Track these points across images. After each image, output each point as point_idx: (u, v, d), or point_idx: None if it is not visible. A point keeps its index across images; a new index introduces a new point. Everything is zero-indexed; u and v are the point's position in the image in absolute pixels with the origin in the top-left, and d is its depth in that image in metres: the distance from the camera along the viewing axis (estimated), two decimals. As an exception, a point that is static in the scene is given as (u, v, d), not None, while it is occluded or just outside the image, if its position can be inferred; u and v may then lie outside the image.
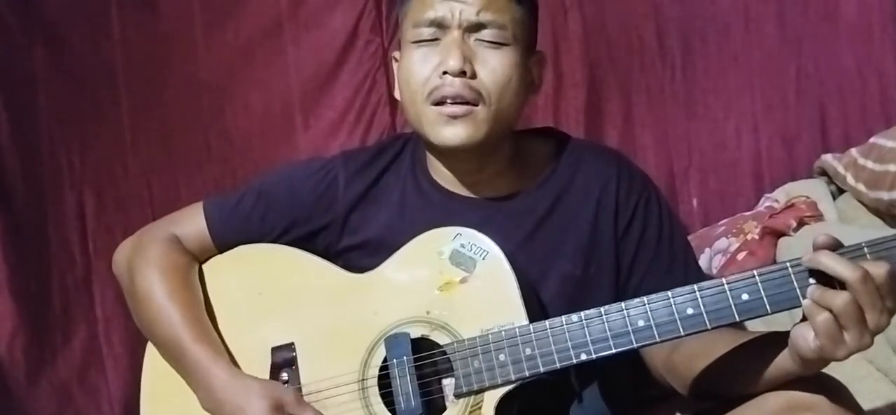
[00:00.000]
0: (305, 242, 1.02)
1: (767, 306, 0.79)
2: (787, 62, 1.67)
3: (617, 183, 0.99)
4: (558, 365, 0.86)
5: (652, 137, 1.73)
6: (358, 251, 1.01)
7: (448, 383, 0.91)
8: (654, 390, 0.99)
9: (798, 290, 0.78)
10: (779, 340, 0.80)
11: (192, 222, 1.04)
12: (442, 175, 1.01)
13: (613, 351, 0.84)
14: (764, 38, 1.68)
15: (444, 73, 0.92)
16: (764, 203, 1.58)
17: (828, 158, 1.55)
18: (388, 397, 0.92)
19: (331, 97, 1.76)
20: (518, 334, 0.88)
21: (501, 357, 0.88)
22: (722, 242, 1.51)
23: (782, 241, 1.45)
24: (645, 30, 1.72)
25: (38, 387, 1.52)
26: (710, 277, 0.86)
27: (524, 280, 0.92)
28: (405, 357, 0.91)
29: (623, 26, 1.73)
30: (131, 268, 1.02)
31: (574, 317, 0.86)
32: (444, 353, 0.91)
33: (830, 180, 1.55)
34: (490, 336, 0.89)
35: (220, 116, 1.72)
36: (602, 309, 0.85)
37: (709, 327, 0.81)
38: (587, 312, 0.85)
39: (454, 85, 0.92)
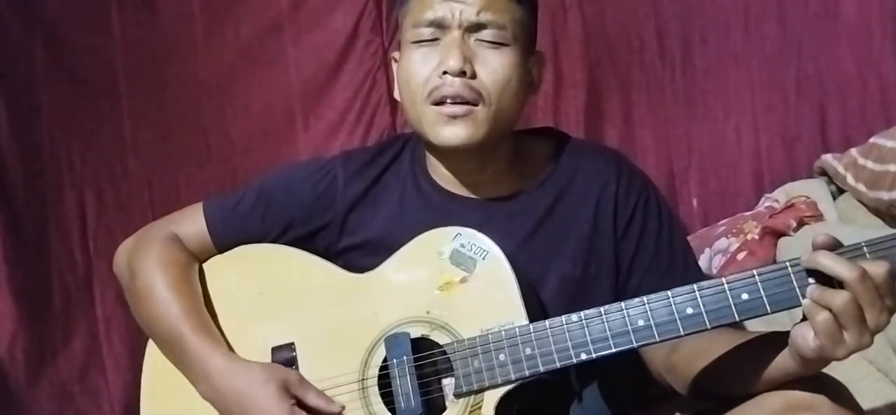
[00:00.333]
0: (305, 242, 1.02)
1: (767, 306, 0.79)
2: (787, 62, 1.67)
3: (616, 183, 0.99)
4: (558, 365, 0.86)
5: (652, 137, 1.73)
6: (358, 251, 1.01)
7: (448, 383, 0.91)
8: (654, 389, 1.00)
9: (798, 289, 0.78)
10: (779, 339, 0.80)
11: (192, 222, 1.04)
12: (442, 175, 1.01)
13: (613, 351, 0.84)
14: (764, 39, 1.68)
15: (444, 73, 0.93)
16: (764, 203, 1.58)
17: (828, 158, 1.55)
18: (388, 397, 0.92)
19: (331, 97, 1.76)
20: (518, 333, 0.88)
21: (501, 357, 0.88)
22: (722, 242, 1.51)
23: (782, 241, 1.45)
24: (645, 30, 1.72)
25: (39, 387, 1.52)
26: (709, 278, 0.86)
27: (524, 280, 0.92)
28: (405, 357, 0.91)
29: (623, 26, 1.73)
30: (132, 265, 1.03)
31: (574, 317, 0.86)
32: (444, 353, 0.91)
33: (830, 180, 1.55)
34: (490, 336, 0.89)
35: (221, 116, 1.72)
36: (602, 309, 0.85)
37: (708, 326, 0.81)
38: (587, 311, 0.85)
39: (454, 85, 0.92)
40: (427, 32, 0.94)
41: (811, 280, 0.77)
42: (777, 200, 1.54)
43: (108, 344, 1.60)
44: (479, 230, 0.93)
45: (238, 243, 1.03)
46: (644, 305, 0.83)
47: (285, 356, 0.97)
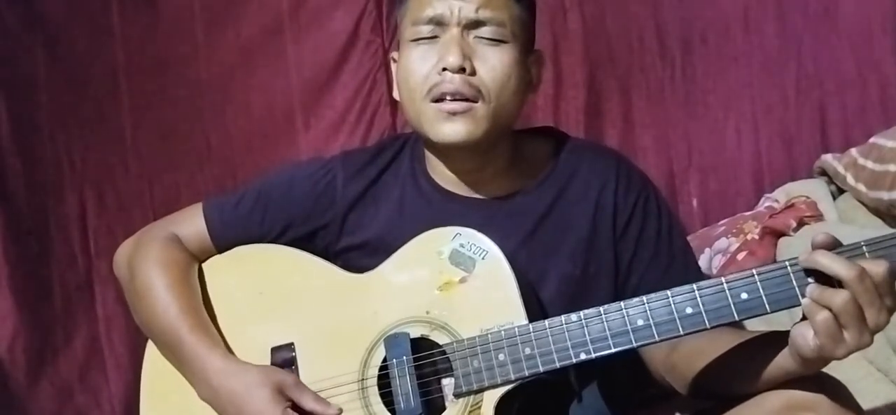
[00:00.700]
0: (305, 242, 1.02)
1: (767, 306, 0.79)
2: (787, 62, 1.67)
3: (615, 183, 0.99)
4: (557, 365, 0.86)
5: (652, 137, 1.73)
6: (357, 251, 1.01)
7: (447, 383, 0.91)
8: (653, 389, 1.00)
9: (797, 289, 0.78)
10: (778, 339, 0.80)
11: (191, 223, 1.04)
12: (441, 175, 1.01)
13: (613, 350, 0.84)
14: (764, 39, 1.68)
15: (444, 69, 0.93)
16: (764, 203, 1.58)
17: (828, 158, 1.55)
18: (387, 397, 0.92)
19: (331, 97, 1.76)
20: (517, 333, 0.88)
21: (501, 357, 0.88)
22: (722, 242, 1.51)
23: (782, 241, 1.45)
24: (645, 30, 1.72)
25: (39, 386, 1.53)
26: (709, 278, 0.86)
27: (523, 280, 0.92)
28: (405, 357, 0.91)
29: (623, 26, 1.73)
30: (131, 265, 1.03)
31: (573, 316, 0.86)
32: (444, 353, 0.91)
33: (830, 180, 1.55)
34: (489, 336, 0.89)
35: (221, 116, 1.72)
36: (601, 309, 0.85)
37: (708, 326, 0.81)
38: (586, 311, 0.85)
39: (454, 81, 0.92)
40: (426, 30, 0.94)
41: (810, 280, 0.77)
42: (777, 200, 1.54)
43: (108, 344, 1.60)
44: (479, 230, 0.93)
45: (238, 243, 1.03)
46: (643, 304, 0.83)
47: (285, 356, 0.97)
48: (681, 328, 0.82)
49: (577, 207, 0.99)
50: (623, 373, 0.98)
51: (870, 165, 1.43)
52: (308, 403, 0.92)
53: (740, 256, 1.46)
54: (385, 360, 0.92)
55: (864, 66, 1.62)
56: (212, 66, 1.71)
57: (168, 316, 0.97)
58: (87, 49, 1.62)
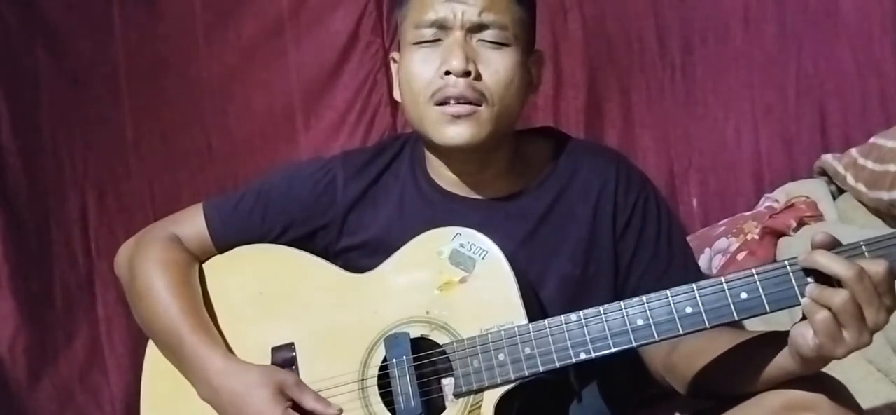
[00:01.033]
0: (305, 242, 1.02)
1: (766, 305, 0.79)
2: (787, 62, 1.67)
3: (615, 183, 0.99)
4: (557, 364, 0.86)
5: (652, 137, 1.73)
6: (357, 251, 1.01)
7: (447, 383, 0.91)
8: (653, 389, 1.00)
9: (797, 288, 0.78)
10: (778, 339, 0.80)
11: (192, 223, 1.04)
12: (441, 176, 1.01)
13: (612, 350, 0.84)
14: (764, 39, 1.68)
15: (447, 73, 0.93)
16: (764, 203, 1.58)
17: (828, 158, 1.55)
18: (387, 397, 0.92)
19: (332, 98, 1.76)
20: (517, 333, 0.88)
21: (501, 357, 0.88)
22: (722, 242, 1.51)
23: (782, 241, 1.45)
24: (645, 30, 1.72)
25: (40, 386, 1.53)
26: (708, 277, 0.86)
27: (523, 280, 0.92)
28: (405, 357, 0.91)
29: (623, 26, 1.73)
30: (132, 266, 1.03)
31: (573, 316, 0.86)
32: (444, 352, 0.91)
33: (830, 180, 1.55)
34: (489, 336, 0.89)
35: (222, 116, 1.72)
36: (601, 308, 0.85)
37: (708, 325, 0.81)
38: (586, 311, 0.85)
39: (458, 85, 0.92)
40: (429, 33, 0.94)
41: (810, 279, 0.77)
42: (777, 200, 1.54)
43: (109, 344, 1.60)
44: (479, 230, 0.93)
45: (238, 244, 1.03)
46: (643, 304, 0.83)
47: (285, 356, 0.97)
48: (680, 328, 0.82)
49: (577, 207, 0.99)
50: (623, 373, 0.98)
51: (870, 165, 1.43)
52: (309, 402, 0.92)
53: (740, 256, 1.47)
54: (385, 360, 0.93)
55: (864, 66, 1.62)
56: (212, 67, 1.72)
57: (168, 316, 0.97)
58: (88, 49, 1.63)
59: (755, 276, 0.80)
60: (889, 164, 1.38)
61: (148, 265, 1.00)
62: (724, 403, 0.85)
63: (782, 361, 0.79)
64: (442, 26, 0.94)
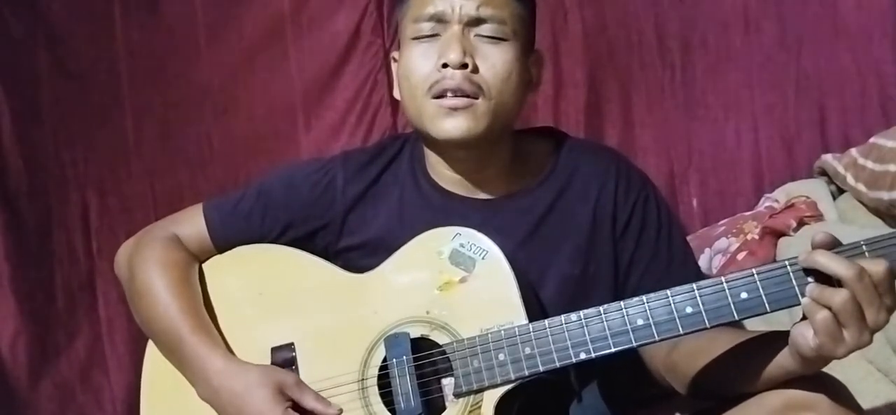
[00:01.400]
0: (304, 242, 1.02)
1: (766, 305, 0.79)
2: (787, 62, 1.67)
3: (615, 183, 0.99)
4: (557, 364, 0.86)
5: (652, 137, 1.73)
6: (357, 251, 1.01)
7: (447, 383, 0.91)
8: (653, 389, 0.99)
9: (797, 288, 0.78)
10: (778, 339, 0.80)
11: (191, 223, 1.04)
12: (441, 175, 1.01)
13: (612, 350, 0.84)
14: (764, 39, 1.68)
15: (445, 66, 0.93)
16: (764, 203, 1.58)
17: (828, 158, 1.56)
18: (387, 397, 0.92)
19: (332, 98, 1.76)
20: (517, 333, 0.88)
21: (501, 357, 0.88)
22: (722, 242, 1.51)
23: (782, 241, 1.45)
24: (645, 30, 1.72)
25: (41, 386, 1.53)
26: (708, 277, 0.86)
27: (523, 280, 0.92)
28: (405, 357, 0.91)
29: (623, 26, 1.73)
30: (132, 266, 1.03)
31: (573, 316, 0.86)
32: (444, 352, 0.91)
33: (830, 180, 1.55)
34: (489, 336, 0.89)
35: (223, 117, 1.72)
36: (601, 308, 0.85)
37: (708, 325, 0.81)
38: (586, 311, 0.85)
39: (455, 78, 0.92)
40: (427, 27, 0.94)
41: (810, 279, 0.77)
42: (777, 200, 1.54)
43: (110, 344, 1.60)
44: (479, 230, 0.93)
45: (238, 244, 1.03)
46: (643, 304, 0.83)
47: (285, 357, 0.97)
48: (680, 328, 0.82)
49: (576, 206, 0.99)
50: (623, 373, 0.98)
51: (870, 165, 1.43)
52: (309, 402, 0.92)
53: (740, 256, 1.47)
54: (385, 360, 0.93)
55: (863, 66, 1.62)
56: (213, 68, 1.72)
57: (168, 316, 0.97)
58: (90, 50, 1.63)
59: (755, 276, 0.80)
60: (889, 164, 1.38)
61: (147, 266, 1.00)
62: (725, 402, 0.85)
63: (782, 360, 0.79)
64: (440, 20, 0.94)
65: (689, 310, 0.82)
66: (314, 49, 1.75)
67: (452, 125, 0.93)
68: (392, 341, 0.92)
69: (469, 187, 1.00)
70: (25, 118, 1.56)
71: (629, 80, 1.74)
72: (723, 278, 0.81)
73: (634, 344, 0.84)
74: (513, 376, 0.88)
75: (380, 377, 0.93)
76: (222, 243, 1.04)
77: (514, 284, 0.91)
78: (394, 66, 1.03)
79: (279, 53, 1.74)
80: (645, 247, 0.98)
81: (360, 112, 1.76)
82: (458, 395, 0.90)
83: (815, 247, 0.78)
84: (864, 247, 0.78)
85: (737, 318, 0.81)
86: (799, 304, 0.78)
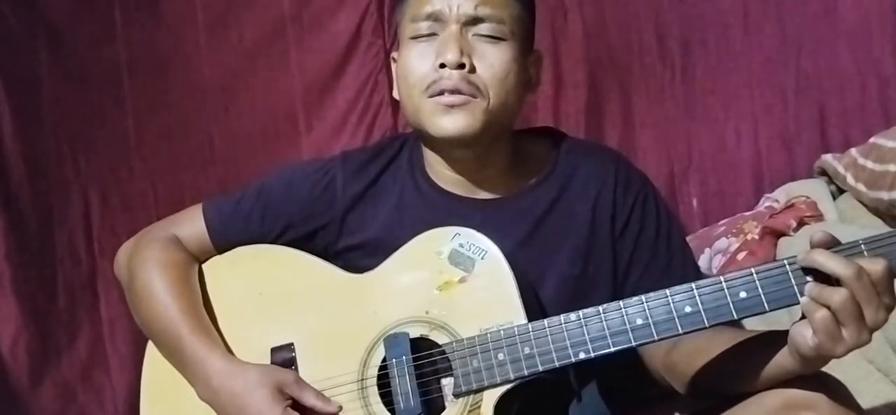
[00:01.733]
0: (304, 242, 1.02)
1: (765, 304, 0.79)
2: (787, 62, 1.67)
3: (614, 183, 0.99)
4: (557, 364, 0.86)
5: (652, 137, 1.73)
6: (357, 252, 1.01)
7: (447, 383, 0.91)
8: (653, 389, 0.99)
9: (796, 287, 0.78)
10: (778, 338, 0.80)
11: (191, 224, 1.04)
12: (440, 175, 1.01)
13: (612, 350, 0.84)
14: (763, 39, 1.68)
15: (442, 66, 0.93)
16: (764, 203, 1.58)
17: (828, 158, 1.56)
18: (387, 397, 0.92)
19: (333, 99, 1.77)
20: (517, 333, 0.88)
21: (500, 356, 0.88)
22: (722, 242, 1.51)
23: (782, 241, 1.45)
24: (645, 31, 1.72)
25: (42, 386, 1.53)
26: (708, 278, 0.86)
27: (523, 280, 0.92)
28: (404, 357, 0.91)
29: (623, 27, 1.73)
30: (131, 266, 1.03)
31: (572, 316, 0.86)
32: (443, 352, 0.91)
33: (830, 180, 1.55)
34: (489, 336, 0.89)
35: (224, 117, 1.73)
36: (600, 308, 0.85)
37: (707, 324, 0.81)
38: (585, 311, 0.85)
39: (452, 78, 0.92)
40: (425, 27, 0.95)
41: (809, 278, 0.77)
42: (777, 200, 1.54)
43: (112, 344, 1.61)
44: (478, 230, 0.93)
45: (237, 244, 1.04)
46: (642, 303, 0.83)
47: (284, 357, 0.97)
48: (679, 327, 0.82)
49: (576, 206, 0.99)
50: (623, 373, 0.98)
51: (870, 165, 1.43)
52: (309, 399, 0.92)
53: (740, 256, 1.47)
54: (385, 360, 0.93)
55: (863, 66, 1.62)
56: (215, 68, 1.72)
57: (168, 317, 0.97)
58: (91, 50, 1.63)
59: (754, 275, 0.80)
60: (889, 164, 1.38)
61: (147, 266, 1.00)
62: (724, 402, 0.85)
63: (782, 360, 0.79)
64: (438, 19, 0.94)
65: (688, 309, 0.82)
66: (315, 49, 1.76)
67: (450, 122, 0.93)
68: (391, 341, 0.92)
69: (468, 187, 1.00)
70: (26, 118, 1.57)
71: (629, 80, 1.74)
72: (722, 278, 0.81)
73: (633, 344, 0.84)
74: (512, 376, 0.88)
75: (379, 377, 0.93)
76: (222, 244, 1.04)
77: (513, 284, 0.91)
78: (394, 66, 1.03)
79: (280, 54, 1.75)
80: (644, 247, 0.98)
81: (361, 113, 1.77)
82: (457, 395, 0.90)
83: (813, 246, 0.78)
84: (862, 246, 0.77)
85: (736, 317, 0.81)
86: (798, 303, 0.78)
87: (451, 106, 0.93)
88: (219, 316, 1.01)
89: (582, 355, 0.85)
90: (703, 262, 1.48)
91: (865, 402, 1.04)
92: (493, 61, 0.94)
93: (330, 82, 1.77)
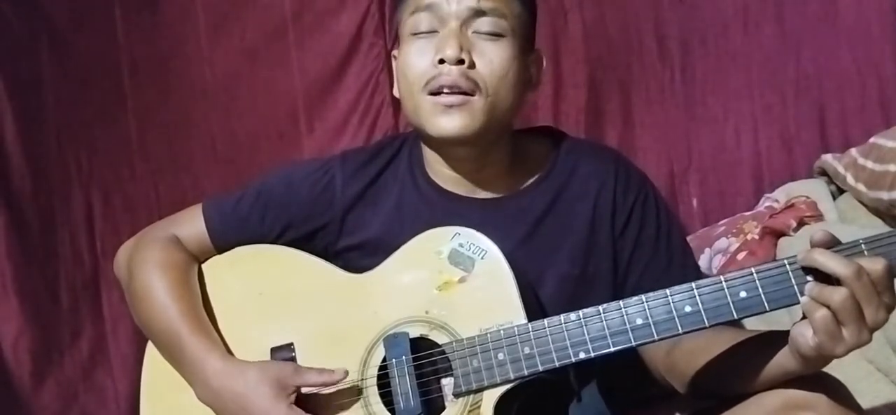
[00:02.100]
0: (304, 242, 1.02)
1: (766, 304, 0.79)
2: (787, 62, 1.67)
3: (614, 182, 0.99)
4: (557, 364, 0.86)
5: (652, 137, 1.73)
6: (356, 251, 1.01)
7: (447, 383, 0.91)
8: (653, 389, 1.00)
9: (796, 287, 0.78)
10: (778, 338, 0.80)
11: (191, 224, 1.04)
12: (440, 175, 1.01)
13: (612, 350, 0.84)
14: (763, 39, 1.68)
15: (441, 62, 0.93)
16: (764, 203, 1.58)
17: (828, 158, 1.56)
18: (387, 397, 0.92)
19: (335, 99, 1.77)
20: (517, 333, 0.88)
21: (500, 356, 0.88)
22: (722, 242, 1.51)
23: (782, 241, 1.45)
24: (645, 31, 1.72)
25: (44, 386, 1.53)
26: (708, 277, 0.86)
27: (523, 280, 0.92)
28: (404, 357, 0.91)
29: (623, 27, 1.73)
30: (131, 266, 1.03)
31: (572, 316, 0.86)
32: (443, 352, 0.91)
33: (830, 180, 1.55)
34: (489, 335, 0.89)
35: (226, 118, 1.73)
36: (600, 308, 0.85)
37: (707, 324, 0.81)
38: (585, 310, 0.85)
39: (451, 74, 0.92)
40: (424, 20, 0.94)
41: (809, 278, 0.77)
42: (777, 200, 1.54)
43: (114, 343, 1.61)
44: (478, 230, 0.93)
45: (237, 244, 1.04)
46: (642, 303, 0.83)
47: (284, 357, 0.97)
48: (680, 327, 0.82)
49: (576, 206, 0.99)
50: (623, 373, 0.98)
51: (870, 165, 1.43)
52: (311, 379, 0.91)
53: (740, 256, 1.47)
54: (384, 360, 0.93)
55: (863, 66, 1.62)
56: (216, 69, 1.72)
57: (167, 318, 0.97)
58: (92, 50, 1.64)
59: (754, 275, 0.80)
60: (889, 164, 1.38)
61: (147, 267, 1.00)
62: (724, 402, 0.86)
63: (782, 360, 0.79)
64: (437, 13, 0.94)
65: (688, 309, 0.82)
66: (316, 50, 1.76)
67: (448, 122, 0.93)
68: (391, 340, 0.92)
69: (468, 187, 1.00)
70: (28, 119, 1.57)
71: (629, 80, 1.74)
72: (722, 277, 0.81)
73: (633, 343, 0.84)
74: (512, 376, 0.88)
75: (379, 377, 0.93)
76: (222, 244, 1.04)
77: (513, 283, 0.91)
78: (394, 64, 1.03)
79: (281, 55, 1.75)
80: (644, 246, 0.98)
81: (362, 113, 1.77)
82: (457, 395, 0.90)
83: (813, 245, 0.78)
84: (862, 246, 0.77)
85: (736, 317, 0.81)
86: (798, 303, 0.78)
87: (450, 106, 0.93)
88: (218, 316, 1.01)
89: (582, 355, 0.85)
90: (703, 262, 1.48)
91: (865, 402, 1.04)
92: (492, 58, 0.94)
93: (331, 83, 1.77)
